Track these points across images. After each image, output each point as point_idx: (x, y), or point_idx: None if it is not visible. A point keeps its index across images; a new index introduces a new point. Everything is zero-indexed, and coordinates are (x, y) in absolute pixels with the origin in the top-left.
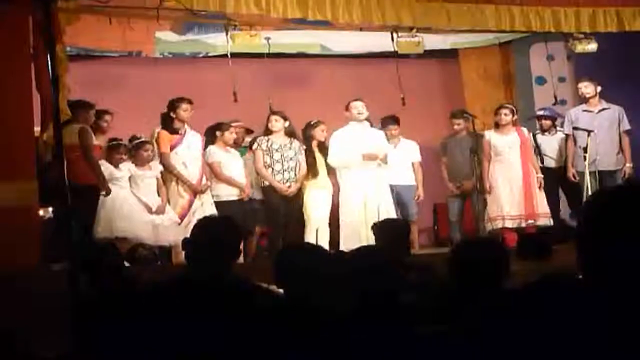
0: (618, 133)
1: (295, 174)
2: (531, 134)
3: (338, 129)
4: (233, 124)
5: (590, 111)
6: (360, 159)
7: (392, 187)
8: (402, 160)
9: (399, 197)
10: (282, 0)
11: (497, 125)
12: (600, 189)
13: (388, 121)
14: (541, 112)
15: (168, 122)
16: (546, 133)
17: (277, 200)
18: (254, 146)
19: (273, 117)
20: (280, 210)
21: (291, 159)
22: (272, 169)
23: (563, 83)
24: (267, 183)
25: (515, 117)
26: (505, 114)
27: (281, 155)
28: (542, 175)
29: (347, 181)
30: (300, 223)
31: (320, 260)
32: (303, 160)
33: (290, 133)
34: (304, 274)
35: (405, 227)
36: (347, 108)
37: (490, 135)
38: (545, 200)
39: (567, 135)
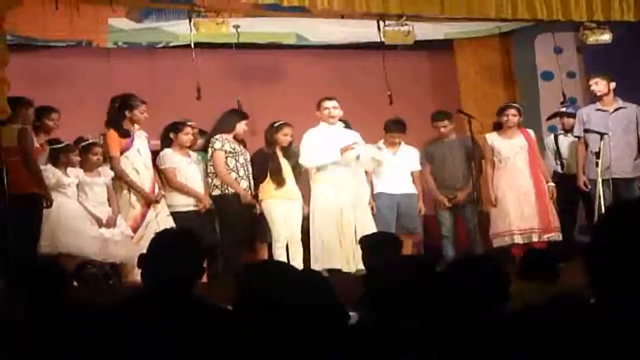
0: (636, 135)
1: (251, 182)
2: (552, 136)
3: (310, 129)
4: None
5: (604, 110)
6: (337, 156)
7: (392, 197)
8: (403, 168)
9: (399, 207)
10: None
11: (499, 127)
12: (616, 200)
13: (392, 126)
14: (564, 109)
15: (119, 122)
16: (569, 134)
17: (238, 210)
18: (217, 145)
19: (246, 120)
20: (240, 223)
21: (248, 163)
22: (237, 174)
23: (572, 79)
24: (228, 190)
25: (521, 117)
26: (513, 114)
27: (244, 159)
28: (554, 185)
29: (320, 188)
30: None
31: (293, 281)
32: None
33: (237, 136)
34: (275, 296)
35: (395, 242)
36: (318, 107)
37: (492, 138)
38: (555, 212)
39: (577, 137)
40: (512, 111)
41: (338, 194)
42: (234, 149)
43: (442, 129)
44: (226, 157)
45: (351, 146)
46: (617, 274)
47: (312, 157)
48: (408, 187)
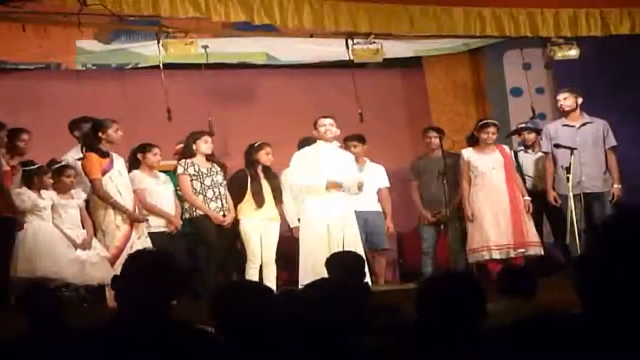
0: (603, 150)
1: (226, 202)
2: (512, 152)
3: (304, 148)
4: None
5: (571, 126)
6: (324, 188)
7: (361, 214)
8: (370, 186)
9: (367, 225)
10: (224, 2)
11: (474, 141)
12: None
13: (351, 140)
14: (523, 125)
15: (95, 144)
16: (529, 150)
17: (211, 232)
18: (179, 170)
19: (205, 138)
20: (214, 244)
21: (221, 184)
22: (204, 196)
23: (541, 94)
24: (196, 213)
25: (498, 134)
26: (493, 132)
27: (212, 181)
28: (530, 199)
29: (309, 208)
30: (236, 258)
31: (266, 301)
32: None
33: (210, 156)
34: (249, 316)
35: (359, 260)
36: (314, 125)
37: (468, 154)
38: (534, 227)
39: (545, 153)
40: (492, 129)
41: (326, 211)
42: (198, 171)
43: (428, 140)
44: (191, 180)
45: (338, 184)
46: (616, 285)
47: (302, 181)
48: (374, 205)
